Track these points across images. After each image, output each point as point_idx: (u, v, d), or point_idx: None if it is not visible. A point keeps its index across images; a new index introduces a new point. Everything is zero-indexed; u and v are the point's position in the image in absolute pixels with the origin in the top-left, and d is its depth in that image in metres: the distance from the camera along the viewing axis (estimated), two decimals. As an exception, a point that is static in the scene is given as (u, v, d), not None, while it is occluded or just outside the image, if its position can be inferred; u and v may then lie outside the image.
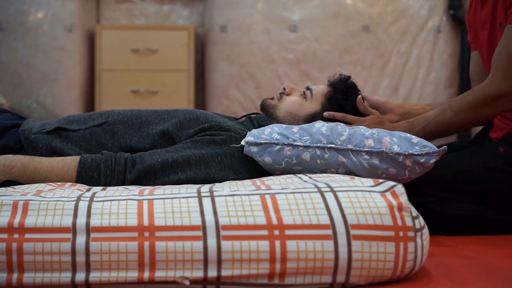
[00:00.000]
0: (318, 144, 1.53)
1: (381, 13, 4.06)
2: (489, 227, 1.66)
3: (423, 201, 1.62)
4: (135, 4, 4.41)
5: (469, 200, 1.66)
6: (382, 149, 1.48)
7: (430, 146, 1.49)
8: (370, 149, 1.49)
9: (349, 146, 1.51)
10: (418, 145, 1.49)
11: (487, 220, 1.66)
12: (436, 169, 1.56)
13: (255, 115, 1.86)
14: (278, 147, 1.55)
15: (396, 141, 1.49)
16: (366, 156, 1.50)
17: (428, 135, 1.71)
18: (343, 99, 1.76)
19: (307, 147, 1.53)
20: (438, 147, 1.52)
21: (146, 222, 1.09)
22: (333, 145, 1.52)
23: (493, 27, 1.77)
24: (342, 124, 1.59)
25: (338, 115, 1.72)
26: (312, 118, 1.74)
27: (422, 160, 1.48)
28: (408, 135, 1.53)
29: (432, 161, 1.49)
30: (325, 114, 1.72)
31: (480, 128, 2.02)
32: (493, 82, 1.65)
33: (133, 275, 1.06)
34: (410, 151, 1.47)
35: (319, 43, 4.07)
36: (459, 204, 1.66)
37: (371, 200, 1.13)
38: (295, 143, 1.54)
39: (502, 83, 1.63)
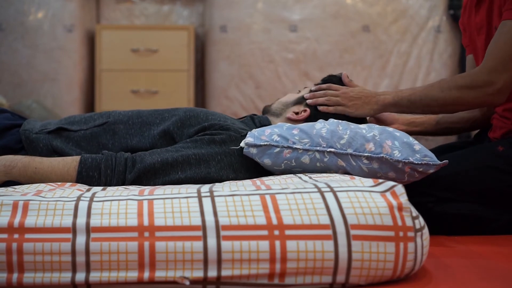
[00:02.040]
0: (318, 148, 1.52)
1: (381, 13, 4.06)
2: (489, 227, 1.66)
3: (423, 201, 1.61)
4: (135, 4, 4.41)
5: (469, 200, 1.66)
6: (382, 155, 1.47)
7: (430, 157, 1.48)
8: (370, 154, 1.48)
9: (349, 151, 1.50)
10: (419, 153, 1.48)
11: (487, 220, 1.66)
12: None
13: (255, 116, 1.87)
14: (278, 149, 1.54)
15: (397, 146, 1.48)
16: (365, 161, 1.49)
17: (412, 104, 1.74)
18: (330, 80, 1.87)
19: (307, 150, 1.52)
20: (439, 158, 1.52)
21: (146, 222, 1.09)
22: (332, 149, 1.51)
23: (489, 32, 1.78)
24: (343, 123, 1.57)
25: (323, 86, 1.82)
26: (301, 100, 1.83)
27: (420, 169, 1.48)
28: (411, 139, 1.52)
29: (431, 171, 1.49)
30: (307, 96, 1.82)
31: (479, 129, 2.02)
32: (482, 69, 1.67)
33: (133, 275, 1.07)
34: (410, 159, 1.46)
35: (319, 43, 4.07)
36: (459, 204, 1.66)
37: (371, 200, 1.13)
38: (294, 146, 1.53)
39: (491, 74, 1.65)
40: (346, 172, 1.52)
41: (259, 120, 1.80)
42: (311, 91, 1.84)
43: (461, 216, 1.66)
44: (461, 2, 4.02)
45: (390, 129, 1.56)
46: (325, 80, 1.88)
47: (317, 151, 1.52)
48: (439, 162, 1.48)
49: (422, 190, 1.64)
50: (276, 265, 1.07)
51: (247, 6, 4.07)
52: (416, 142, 1.51)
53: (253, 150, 1.55)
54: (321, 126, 1.56)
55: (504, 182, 1.66)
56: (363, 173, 1.50)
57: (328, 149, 1.51)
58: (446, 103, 1.71)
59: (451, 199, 1.66)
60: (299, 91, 1.89)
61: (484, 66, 1.67)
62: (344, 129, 1.54)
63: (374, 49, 4.07)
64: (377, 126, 1.56)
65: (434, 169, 1.48)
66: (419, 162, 1.46)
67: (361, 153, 1.49)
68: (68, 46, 4.04)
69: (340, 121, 1.59)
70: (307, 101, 1.81)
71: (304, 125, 1.59)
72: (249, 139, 1.56)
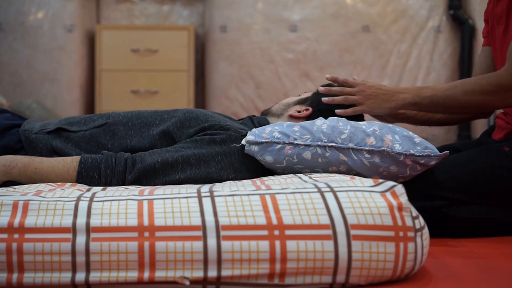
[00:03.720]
0: (319, 143, 1.53)
1: (381, 13, 4.07)
2: (501, 228, 1.64)
3: (436, 205, 1.59)
4: (135, 4, 4.41)
5: (481, 201, 1.63)
6: (383, 148, 1.48)
7: (431, 148, 1.49)
8: (371, 148, 1.49)
9: (350, 145, 1.51)
10: (419, 145, 1.49)
11: (499, 222, 1.63)
12: (445, 170, 1.55)
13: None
14: (279, 146, 1.54)
15: (398, 140, 1.49)
16: (367, 155, 1.50)
17: (432, 105, 1.71)
18: (331, 86, 1.84)
19: (308, 145, 1.53)
20: (440, 150, 1.52)
21: (146, 222, 1.09)
22: (334, 144, 1.52)
23: (508, 23, 1.77)
24: (343, 120, 1.58)
25: (339, 80, 1.76)
26: (303, 100, 1.83)
27: (422, 161, 1.48)
28: (411, 133, 1.52)
29: (432, 163, 1.49)
30: (321, 90, 1.78)
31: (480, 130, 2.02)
32: (507, 73, 1.64)
33: (133, 275, 1.06)
34: (411, 151, 1.47)
35: (319, 43, 4.08)
36: (472, 206, 1.63)
37: (371, 200, 1.13)
38: (295, 142, 1.54)
39: None
40: (348, 167, 1.52)
41: (258, 121, 1.80)
42: (318, 94, 1.80)
43: (476, 220, 1.62)
44: (461, 2, 4.03)
45: (390, 124, 1.56)
46: (326, 86, 1.86)
47: (319, 146, 1.52)
48: (439, 153, 1.49)
49: (434, 193, 1.61)
50: (276, 265, 1.07)
51: (247, 6, 4.07)
52: (416, 135, 1.52)
53: (255, 148, 1.56)
54: (321, 123, 1.57)
55: None
56: (365, 168, 1.50)
57: (330, 144, 1.52)
58: (469, 105, 1.69)
59: (463, 200, 1.62)
60: (299, 96, 1.90)
61: (508, 68, 1.65)
62: (345, 125, 1.55)
63: (374, 49, 4.07)
64: (377, 122, 1.57)
65: (435, 160, 1.49)
66: (420, 154, 1.47)
67: (362, 147, 1.49)
68: (68, 46, 4.04)
69: (339, 118, 1.60)
70: (322, 99, 1.75)
71: (305, 122, 1.60)
72: (250, 137, 1.57)
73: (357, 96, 1.73)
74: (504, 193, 1.64)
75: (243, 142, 1.57)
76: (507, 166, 1.64)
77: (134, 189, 1.29)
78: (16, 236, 1.08)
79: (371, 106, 1.72)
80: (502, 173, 1.64)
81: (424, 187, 1.58)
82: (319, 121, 1.59)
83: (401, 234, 1.10)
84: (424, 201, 1.53)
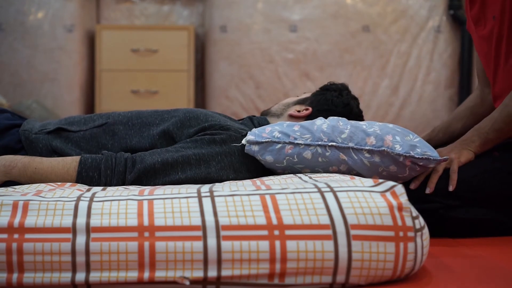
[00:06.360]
0: (319, 142, 1.53)
1: (381, 13, 4.07)
2: (499, 229, 1.63)
3: (433, 207, 1.59)
4: (135, 4, 4.41)
5: (479, 205, 1.63)
6: (383, 148, 1.48)
7: (431, 152, 1.48)
8: (371, 148, 1.49)
9: (350, 144, 1.51)
10: (420, 148, 1.48)
11: (498, 222, 1.63)
12: (438, 181, 1.55)
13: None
14: (279, 145, 1.54)
15: (398, 141, 1.49)
16: (367, 155, 1.50)
17: (498, 132, 1.67)
18: (334, 91, 1.86)
19: (308, 145, 1.53)
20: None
21: (146, 222, 1.09)
22: (334, 143, 1.52)
23: (485, 22, 1.78)
24: (343, 120, 1.58)
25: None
26: (302, 100, 1.85)
27: (421, 163, 1.48)
28: (412, 135, 1.52)
29: (431, 165, 1.49)
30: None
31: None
32: None
33: (133, 275, 1.07)
34: (411, 153, 1.47)
35: (319, 43, 4.08)
36: (471, 208, 1.62)
37: (371, 200, 1.13)
38: (296, 142, 1.54)
39: None
40: (348, 167, 1.52)
41: (258, 121, 1.81)
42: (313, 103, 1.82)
43: (474, 220, 1.62)
44: (461, 2, 4.03)
45: (391, 125, 1.56)
46: (325, 88, 1.88)
47: (319, 145, 1.52)
48: (439, 157, 1.49)
49: (430, 198, 1.61)
50: (276, 265, 1.07)
51: (247, 6, 4.07)
52: (417, 137, 1.52)
53: (255, 148, 1.56)
54: (321, 122, 1.57)
55: (508, 185, 1.63)
56: (365, 167, 1.50)
57: (330, 143, 1.52)
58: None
59: (460, 206, 1.62)
60: (297, 96, 1.91)
61: None
62: (345, 125, 1.55)
63: (374, 49, 4.08)
64: (378, 122, 1.57)
65: (434, 164, 1.49)
66: (420, 157, 1.47)
67: (362, 147, 1.49)
68: (68, 46, 4.04)
69: (339, 117, 1.59)
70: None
71: (305, 122, 1.60)
72: (250, 136, 1.57)
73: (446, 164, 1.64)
74: (498, 195, 1.63)
75: (243, 142, 1.57)
76: (499, 168, 1.64)
77: (134, 189, 1.29)
78: (16, 236, 1.08)
79: (457, 156, 1.65)
80: (495, 176, 1.63)
81: (420, 192, 1.57)
82: (319, 121, 1.58)
83: (401, 234, 1.10)
84: (422, 204, 1.52)
